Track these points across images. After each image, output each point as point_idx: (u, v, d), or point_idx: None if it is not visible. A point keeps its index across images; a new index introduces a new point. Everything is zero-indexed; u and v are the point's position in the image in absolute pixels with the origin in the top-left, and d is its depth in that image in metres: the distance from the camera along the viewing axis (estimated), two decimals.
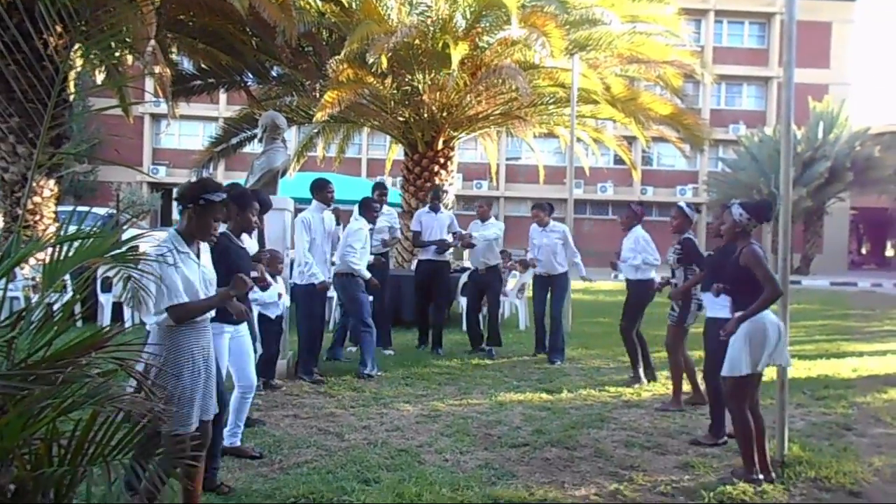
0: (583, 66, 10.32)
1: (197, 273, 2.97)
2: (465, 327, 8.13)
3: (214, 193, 2.94)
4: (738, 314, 3.84)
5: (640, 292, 6.28)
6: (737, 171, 27.26)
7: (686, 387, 5.63)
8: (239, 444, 4.12)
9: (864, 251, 40.73)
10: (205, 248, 3.12)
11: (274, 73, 11.97)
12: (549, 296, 7.37)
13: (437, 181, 11.65)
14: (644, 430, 4.89)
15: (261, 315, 5.76)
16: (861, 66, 66.06)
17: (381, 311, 7.61)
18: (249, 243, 4.58)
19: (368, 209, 6.63)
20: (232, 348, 3.86)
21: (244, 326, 3.95)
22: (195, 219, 2.95)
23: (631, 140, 16.36)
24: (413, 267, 8.85)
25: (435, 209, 7.84)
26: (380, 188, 7.69)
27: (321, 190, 6.27)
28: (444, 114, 11.37)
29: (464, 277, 8.53)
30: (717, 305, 4.34)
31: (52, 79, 2.98)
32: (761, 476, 3.82)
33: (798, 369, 7.01)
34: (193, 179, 3.22)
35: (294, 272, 6.15)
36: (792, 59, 4.26)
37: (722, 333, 3.85)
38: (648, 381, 6.28)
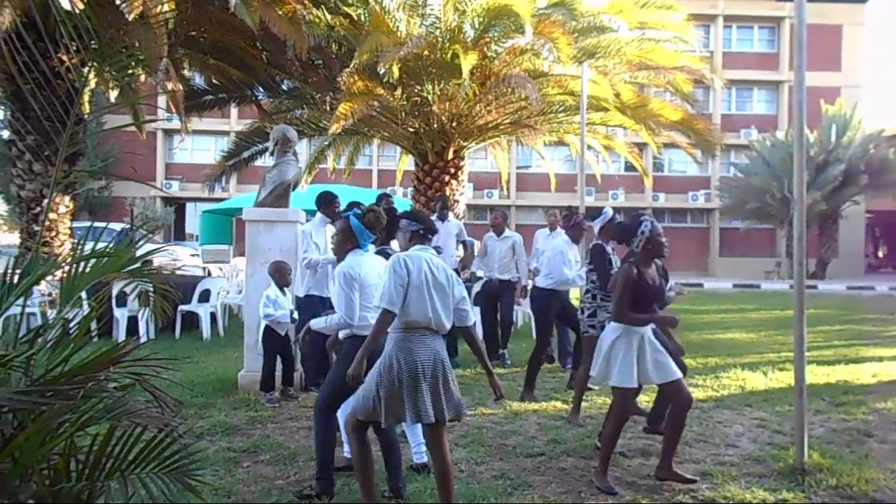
0: (592, 73, 10.31)
1: None
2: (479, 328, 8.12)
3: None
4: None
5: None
6: (749, 176, 27.13)
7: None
8: (425, 459, 4.04)
9: (880, 254, 40.26)
10: None
11: (284, 87, 12.07)
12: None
13: (447, 191, 11.66)
14: (661, 438, 4.83)
15: (268, 329, 5.77)
16: (873, 69, 65.60)
17: None
18: None
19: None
20: None
21: None
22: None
23: (642, 146, 16.32)
24: None
25: (442, 217, 7.87)
26: (385, 199, 7.74)
27: (329, 204, 6.16)
28: (454, 124, 11.40)
29: (476, 287, 8.51)
30: None
31: (68, 97, 3.03)
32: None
33: (816, 375, 6.93)
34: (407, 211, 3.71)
35: (297, 284, 6.14)
36: (803, 63, 4.24)
37: None
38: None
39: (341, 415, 3.73)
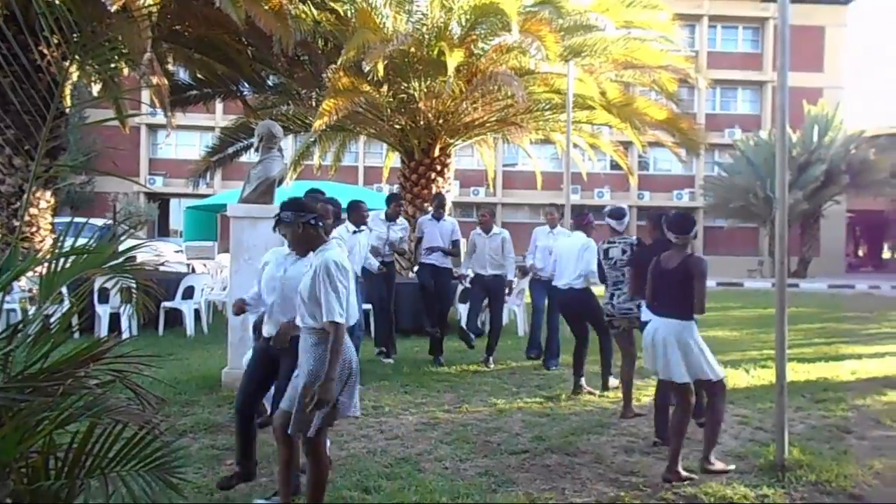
0: (578, 71, 10.35)
1: None
2: (463, 322, 8.04)
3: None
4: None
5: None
6: (733, 175, 27.35)
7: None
8: None
9: (861, 253, 40.81)
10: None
11: (270, 83, 11.98)
12: (546, 301, 7.39)
13: (434, 188, 11.66)
14: (644, 435, 4.88)
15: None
16: (855, 70, 66.40)
17: (386, 320, 7.60)
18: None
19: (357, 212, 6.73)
20: None
21: None
22: None
23: (627, 145, 16.42)
24: (412, 275, 8.84)
25: (438, 217, 7.86)
26: (395, 199, 7.86)
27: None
28: (441, 121, 11.39)
29: (463, 284, 8.49)
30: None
31: (48, 90, 2.98)
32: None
33: (797, 372, 7.01)
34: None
35: None
36: (786, 63, 4.28)
37: None
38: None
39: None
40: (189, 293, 9.36)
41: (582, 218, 6.57)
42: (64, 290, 2.95)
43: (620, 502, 3.67)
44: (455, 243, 7.96)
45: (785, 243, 4.29)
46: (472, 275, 7.61)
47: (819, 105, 26.46)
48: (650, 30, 11.25)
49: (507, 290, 7.65)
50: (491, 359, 7.34)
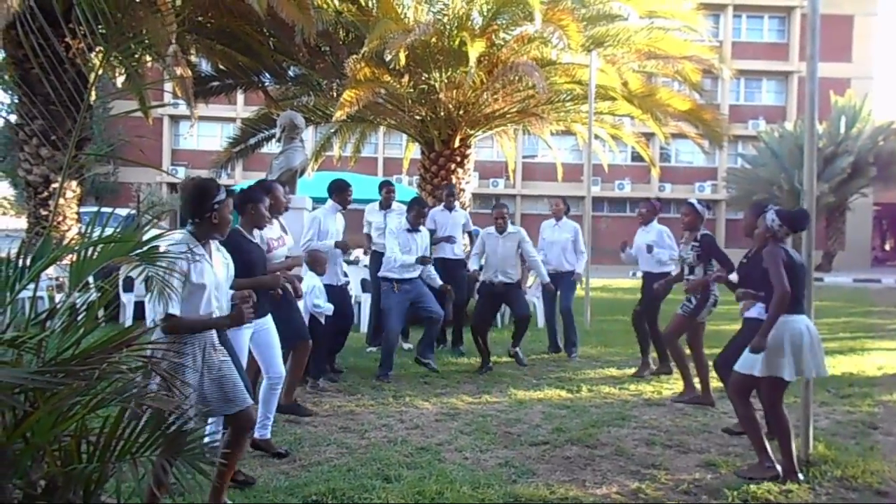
0: (600, 61, 10.24)
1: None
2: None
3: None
4: (763, 327, 3.82)
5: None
6: (756, 168, 26.95)
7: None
8: (269, 436, 4.13)
9: (887, 247, 40.06)
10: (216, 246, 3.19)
11: (291, 74, 12.02)
12: (558, 293, 7.44)
13: (454, 180, 11.63)
14: (665, 428, 4.86)
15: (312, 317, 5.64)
16: (884, 60, 64.64)
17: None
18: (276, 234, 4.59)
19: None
20: (256, 341, 3.91)
21: (268, 319, 3.99)
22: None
23: (649, 136, 16.25)
24: None
25: (450, 207, 7.85)
26: (386, 186, 7.77)
27: (341, 192, 6.13)
28: (461, 112, 11.35)
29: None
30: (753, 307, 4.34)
31: (74, 82, 3.03)
32: (778, 468, 3.82)
33: None
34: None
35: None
36: (816, 53, 4.20)
37: (750, 348, 3.85)
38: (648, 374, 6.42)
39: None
40: None
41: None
42: (90, 278, 3.00)
43: (642, 495, 3.65)
44: (470, 235, 7.96)
45: (812, 236, 4.22)
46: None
47: (847, 96, 25.93)
48: (674, 19, 11.07)
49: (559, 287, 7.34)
50: (519, 350, 6.89)
